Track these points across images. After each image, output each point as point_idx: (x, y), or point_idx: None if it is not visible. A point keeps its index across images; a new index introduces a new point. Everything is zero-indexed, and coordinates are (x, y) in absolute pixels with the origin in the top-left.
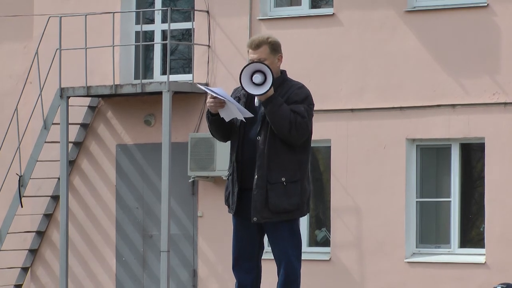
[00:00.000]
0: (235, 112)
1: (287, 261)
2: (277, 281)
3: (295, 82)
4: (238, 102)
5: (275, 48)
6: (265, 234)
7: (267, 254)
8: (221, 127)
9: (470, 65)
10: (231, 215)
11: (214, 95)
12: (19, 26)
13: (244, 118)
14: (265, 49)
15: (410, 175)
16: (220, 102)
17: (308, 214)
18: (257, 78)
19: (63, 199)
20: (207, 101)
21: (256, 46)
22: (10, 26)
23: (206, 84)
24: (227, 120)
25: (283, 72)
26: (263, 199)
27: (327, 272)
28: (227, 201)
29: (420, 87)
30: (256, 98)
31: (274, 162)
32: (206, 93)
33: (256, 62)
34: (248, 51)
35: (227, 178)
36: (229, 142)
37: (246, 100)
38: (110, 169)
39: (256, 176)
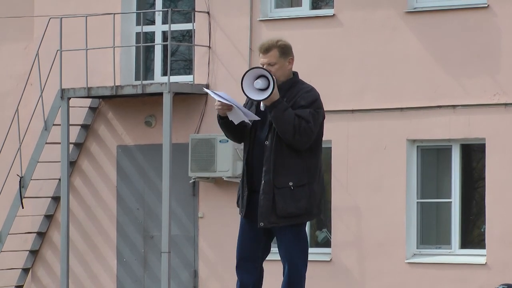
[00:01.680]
0: (242, 115)
1: (291, 263)
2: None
3: (305, 85)
4: (251, 106)
5: (285, 51)
6: (273, 238)
7: (271, 255)
8: (231, 129)
9: (471, 66)
10: (231, 216)
11: (219, 99)
12: (20, 27)
13: (252, 121)
14: (274, 53)
15: (411, 176)
16: (227, 105)
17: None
18: (258, 83)
19: (64, 200)
20: (215, 104)
21: (265, 50)
22: (11, 27)
23: (207, 85)
24: (236, 123)
25: (295, 74)
26: (270, 204)
27: (328, 272)
28: (238, 203)
29: (420, 88)
30: (261, 103)
31: (281, 167)
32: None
33: (257, 67)
34: (259, 55)
35: (240, 181)
36: (231, 144)
37: (256, 105)
38: (111, 170)
39: (263, 181)
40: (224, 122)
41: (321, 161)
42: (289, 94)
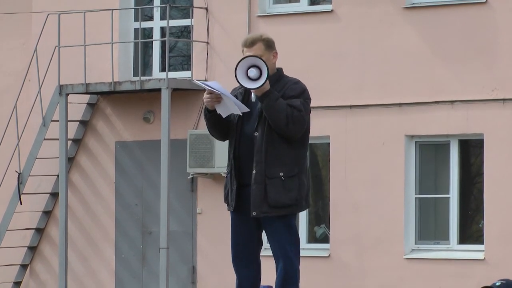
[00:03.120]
0: (231, 107)
1: (285, 256)
2: (275, 277)
3: (291, 78)
4: (236, 99)
5: (269, 45)
6: (263, 230)
7: (266, 250)
8: (218, 124)
9: (469, 61)
10: (230, 211)
11: (210, 89)
12: (18, 23)
13: (237, 115)
14: (260, 46)
15: (409, 172)
16: (216, 97)
17: (307, 210)
18: (252, 72)
19: (62, 196)
20: (204, 97)
21: (250, 43)
22: (9, 24)
23: (205, 81)
24: (224, 116)
25: (279, 69)
26: (262, 194)
27: (326, 268)
28: (226, 199)
29: (418, 84)
30: (252, 94)
31: (272, 157)
32: (204, 89)
33: (251, 56)
34: (243, 51)
35: (226, 176)
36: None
37: (243, 97)
38: (109, 166)
39: (254, 171)
40: (212, 115)
41: (307, 153)
42: (277, 86)
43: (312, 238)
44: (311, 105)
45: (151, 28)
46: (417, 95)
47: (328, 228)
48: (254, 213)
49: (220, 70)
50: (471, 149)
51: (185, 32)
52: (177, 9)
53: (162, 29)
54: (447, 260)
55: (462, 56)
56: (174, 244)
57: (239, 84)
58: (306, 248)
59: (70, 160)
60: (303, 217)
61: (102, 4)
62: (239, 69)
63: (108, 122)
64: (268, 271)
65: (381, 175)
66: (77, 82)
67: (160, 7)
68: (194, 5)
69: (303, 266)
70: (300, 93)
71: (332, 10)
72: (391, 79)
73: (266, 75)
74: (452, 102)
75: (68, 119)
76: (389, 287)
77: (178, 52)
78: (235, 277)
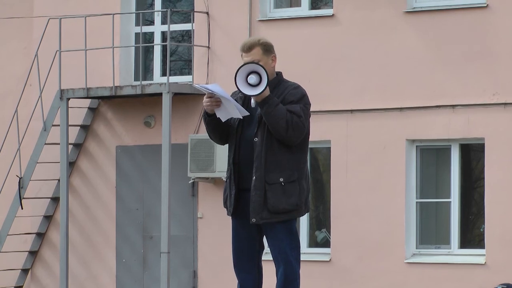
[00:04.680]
0: (231, 111)
1: (285, 261)
2: (276, 281)
3: (291, 83)
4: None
5: (267, 49)
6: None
7: (267, 255)
8: (218, 128)
9: (470, 65)
10: (231, 216)
11: (210, 92)
12: (19, 27)
13: (237, 119)
14: (258, 51)
15: (410, 176)
16: (216, 101)
17: (307, 214)
18: (252, 79)
19: (63, 200)
20: (203, 101)
21: (248, 48)
22: (10, 28)
23: (205, 84)
24: (223, 120)
25: (279, 74)
26: (262, 200)
27: (327, 273)
28: (225, 204)
29: (419, 88)
30: (252, 99)
31: (272, 163)
32: (204, 93)
33: (251, 63)
34: (241, 55)
35: (226, 181)
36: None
37: (243, 102)
38: (110, 170)
39: (254, 177)
40: (211, 119)
41: (308, 157)
42: (276, 91)
43: (313, 242)
44: (311, 109)
45: (152, 33)
46: (418, 99)
47: (329, 232)
48: (253, 220)
49: (221, 75)
50: (472, 154)
51: (186, 36)
52: (178, 14)
53: (163, 33)
54: (448, 265)
55: (463, 60)
56: (175, 249)
57: (239, 91)
58: (307, 252)
59: (71, 164)
60: (304, 222)
61: (103, 8)
62: (239, 75)
63: (109, 127)
64: (269, 276)
65: (382, 179)
66: (78, 87)
67: (161, 11)
68: (195, 10)
69: (304, 271)
70: (299, 98)
71: (333, 15)
72: (392, 83)
73: (266, 82)
74: (453, 106)
75: (69, 123)
76: None
77: (179, 57)
78: (236, 281)
